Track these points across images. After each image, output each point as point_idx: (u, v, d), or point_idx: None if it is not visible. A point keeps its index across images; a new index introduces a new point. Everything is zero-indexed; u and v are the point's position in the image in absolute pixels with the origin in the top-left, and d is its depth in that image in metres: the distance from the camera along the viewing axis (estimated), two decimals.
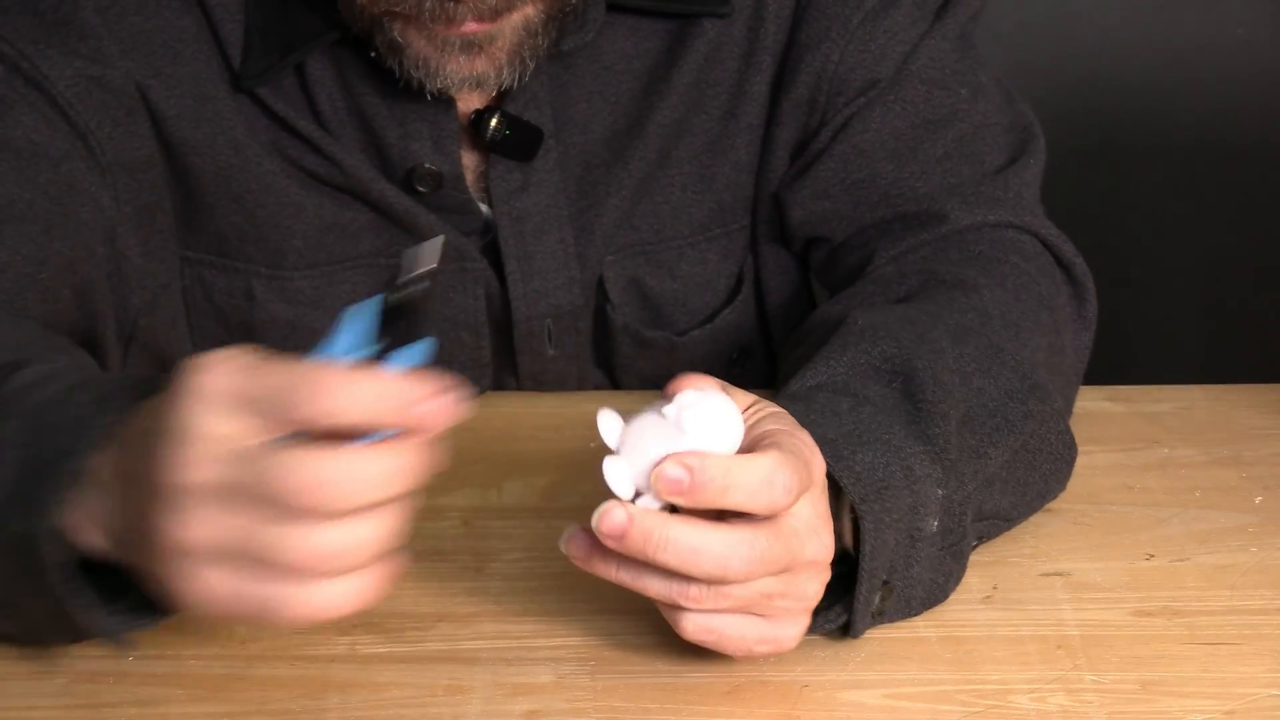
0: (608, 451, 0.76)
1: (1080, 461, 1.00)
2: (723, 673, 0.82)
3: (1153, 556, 0.93)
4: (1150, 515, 0.98)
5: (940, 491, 0.84)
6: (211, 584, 0.68)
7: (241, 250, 1.11)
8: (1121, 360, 1.90)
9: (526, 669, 0.83)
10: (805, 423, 0.80)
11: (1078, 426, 1.05)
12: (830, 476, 0.81)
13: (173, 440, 0.67)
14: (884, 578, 0.83)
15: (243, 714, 0.80)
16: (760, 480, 0.74)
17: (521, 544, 0.94)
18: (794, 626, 0.80)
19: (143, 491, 0.69)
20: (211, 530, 0.67)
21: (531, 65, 1.04)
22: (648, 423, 0.76)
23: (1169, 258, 2.01)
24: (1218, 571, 0.92)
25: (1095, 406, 1.10)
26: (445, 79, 1.02)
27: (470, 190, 1.11)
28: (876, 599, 0.83)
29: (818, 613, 0.83)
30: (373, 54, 1.06)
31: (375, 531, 0.67)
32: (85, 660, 0.84)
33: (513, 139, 1.09)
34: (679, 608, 0.77)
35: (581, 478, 1.01)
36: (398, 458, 0.67)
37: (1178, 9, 1.91)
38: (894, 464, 0.83)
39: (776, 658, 0.83)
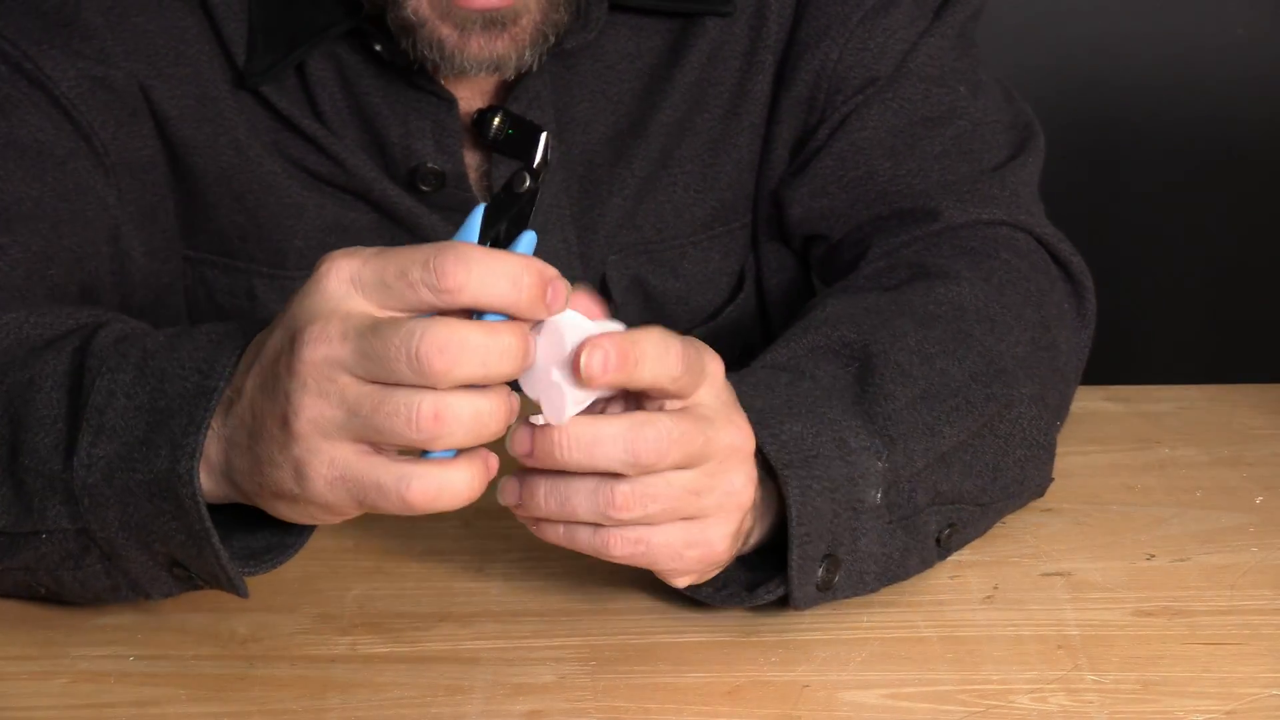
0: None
1: (1080, 461, 1.00)
2: (723, 673, 0.82)
3: (1153, 556, 0.93)
4: (1151, 515, 0.98)
5: (881, 464, 0.84)
6: (335, 461, 0.72)
7: (243, 250, 1.11)
8: (1121, 360, 1.90)
9: (527, 669, 0.83)
10: (736, 393, 0.81)
11: (1078, 426, 1.05)
12: (760, 451, 0.81)
13: (303, 324, 0.72)
14: (825, 549, 0.83)
15: (243, 714, 0.80)
16: (657, 343, 0.74)
17: (521, 544, 0.94)
18: (724, 525, 0.79)
19: (270, 394, 0.73)
20: (339, 402, 0.71)
21: (552, 43, 1.03)
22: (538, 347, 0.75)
23: (1169, 257, 2.01)
24: (1218, 571, 0.92)
25: (1095, 406, 1.10)
26: (464, 61, 1.01)
27: (473, 189, 1.11)
28: (820, 570, 0.83)
29: (758, 584, 0.84)
30: (377, 47, 1.06)
31: (493, 408, 0.71)
32: (86, 660, 0.84)
33: (516, 139, 1.09)
34: (607, 522, 0.77)
35: None
36: (515, 334, 0.71)
37: (1178, 9, 1.91)
38: (825, 434, 0.83)
39: (778, 657, 0.83)
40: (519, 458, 0.76)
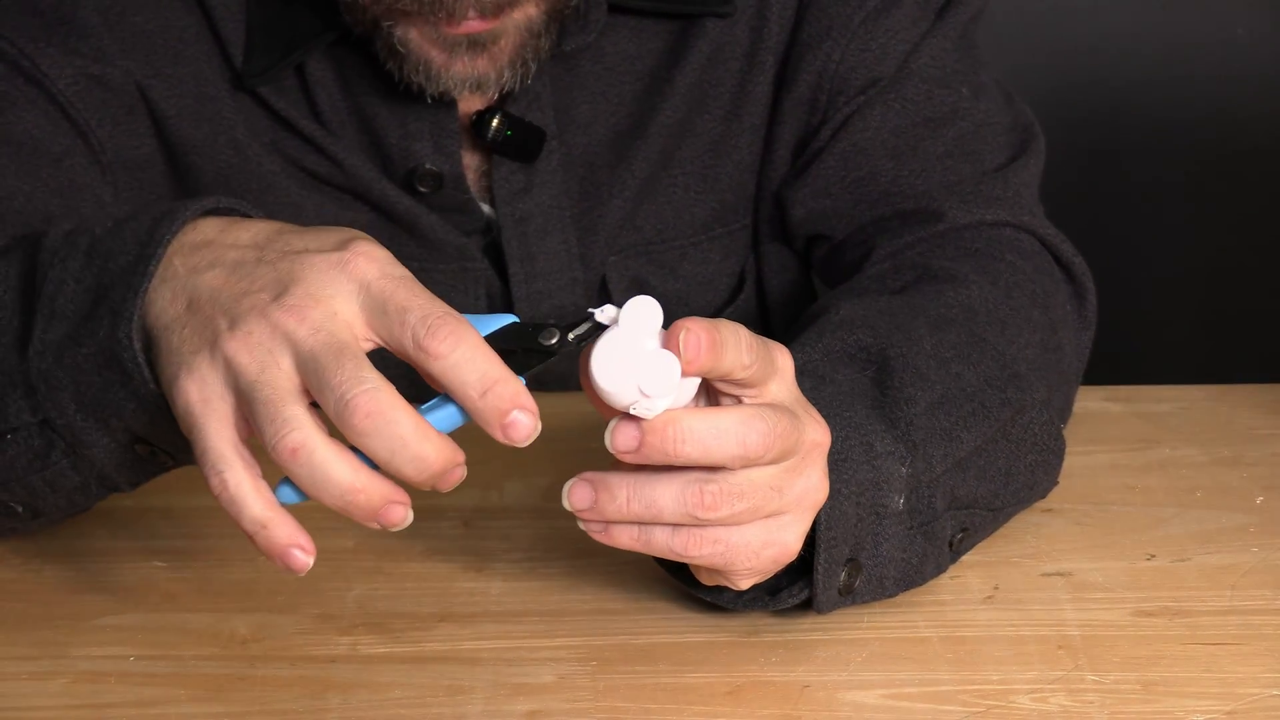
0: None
1: (1080, 461, 1.00)
2: (723, 673, 0.82)
3: (1154, 556, 0.93)
4: (1151, 515, 0.98)
5: (904, 470, 0.84)
6: (200, 396, 0.72)
7: None
8: (1121, 360, 1.90)
9: (527, 669, 0.83)
10: None
11: (1078, 426, 1.05)
12: None
13: (287, 284, 0.72)
14: (849, 554, 0.83)
15: (243, 714, 0.80)
16: (730, 330, 0.74)
17: (522, 544, 0.94)
18: (799, 524, 0.79)
19: (226, 283, 0.74)
20: (248, 356, 0.71)
21: (534, 68, 1.04)
22: (608, 341, 0.74)
23: (1169, 258, 2.01)
24: (1219, 572, 0.92)
25: (1095, 406, 1.10)
26: (448, 80, 1.02)
27: (472, 190, 1.11)
28: (842, 574, 0.83)
29: (781, 589, 0.84)
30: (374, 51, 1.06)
31: (366, 493, 0.72)
32: (86, 660, 0.84)
33: (515, 140, 1.09)
34: (693, 522, 0.76)
35: None
36: (438, 457, 0.71)
37: (1178, 9, 1.91)
38: (853, 439, 0.83)
39: (778, 657, 0.83)
40: (621, 453, 0.74)
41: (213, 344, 0.73)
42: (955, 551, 0.89)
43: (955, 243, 1.06)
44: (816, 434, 0.78)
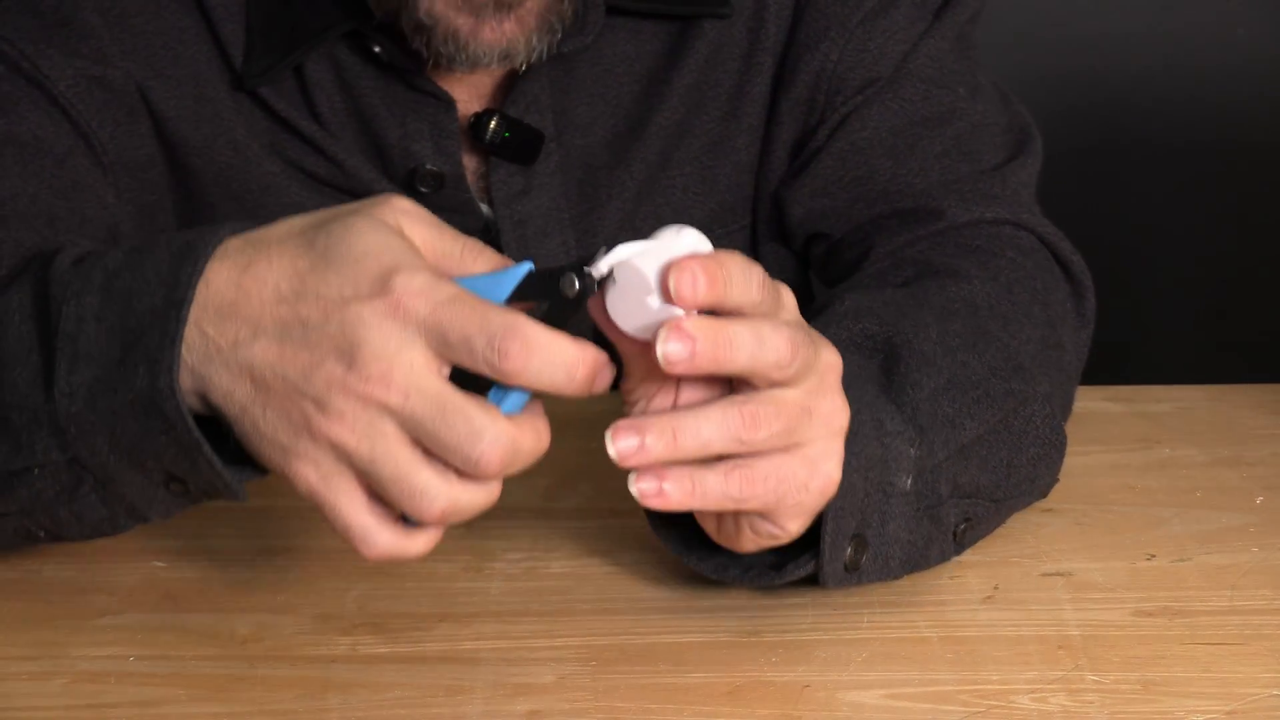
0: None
1: (1080, 461, 1.00)
2: (723, 673, 0.82)
3: (1154, 556, 0.93)
4: (1151, 515, 0.98)
5: (913, 451, 0.84)
6: (318, 477, 0.74)
7: None
8: (1121, 360, 1.90)
9: (527, 669, 0.83)
10: None
11: (1078, 426, 1.05)
12: None
13: (352, 350, 0.72)
14: (855, 528, 0.83)
15: (243, 714, 0.80)
16: (741, 265, 0.74)
17: (522, 544, 0.94)
18: (833, 451, 0.78)
19: (273, 362, 0.74)
20: (352, 438, 0.73)
21: (559, 34, 1.03)
22: (621, 288, 0.74)
23: (1169, 257, 2.01)
24: (1219, 572, 0.92)
25: (1095, 406, 1.10)
26: (477, 49, 1.01)
27: (471, 191, 1.11)
28: (848, 549, 0.83)
29: (788, 560, 0.83)
30: (376, 49, 1.06)
31: (472, 503, 0.74)
32: (86, 660, 0.84)
33: (513, 142, 1.09)
34: (741, 447, 0.75)
35: (582, 478, 1.01)
36: (540, 439, 0.74)
37: (1178, 9, 1.91)
38: (863, 413, 0.83)
39: (778, 657, 0.83)
40: (672, 363, 0.73)
41: (309, 429, 0.73)
42: (959, 543, 0.89)
43: (955, 240, 1.06)
44: (830, 355, 0.78)
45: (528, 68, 1.07)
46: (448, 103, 1.08)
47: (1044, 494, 0.96)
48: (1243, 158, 1.96)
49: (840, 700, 0.81)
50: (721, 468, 0.76)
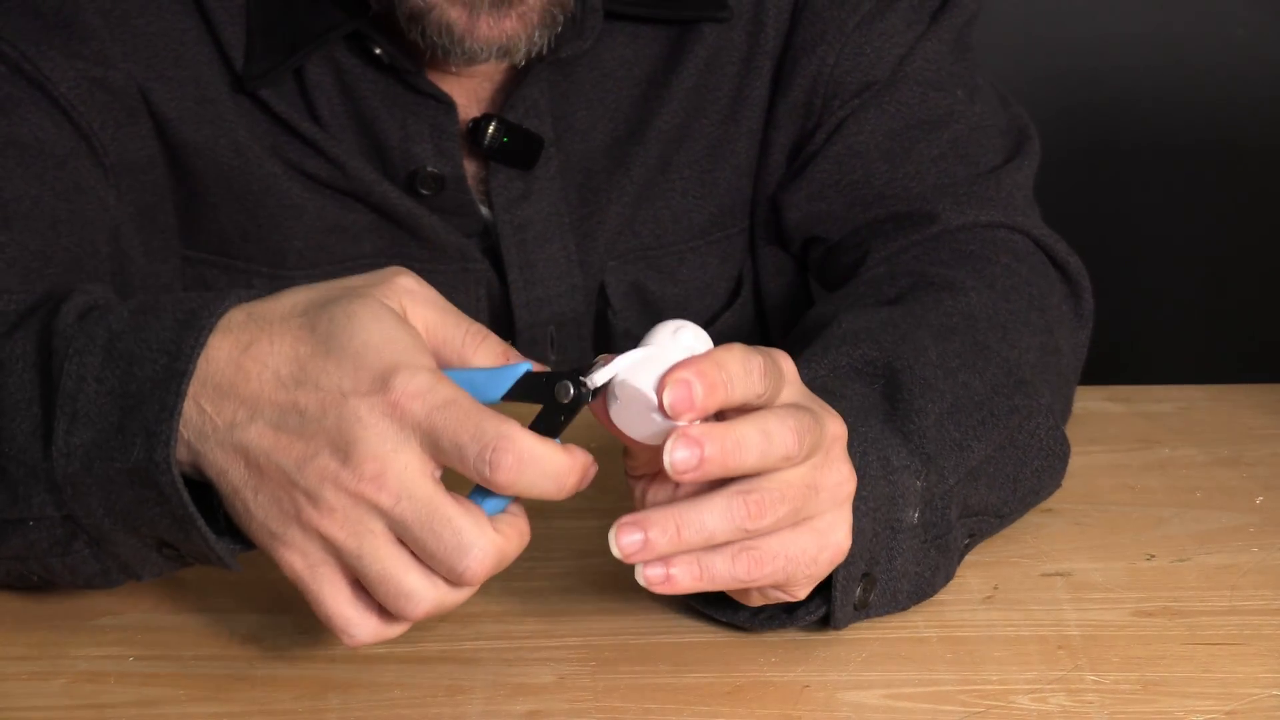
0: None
1: (1080, 461, 1.00)
2: (723, 673, 0.82)
3: (1153, 557, 0.93)
4: (1151, 515, 0.98)
5: (919, 483, 0.84)
6: (305, 565, 0.75)
7: (243, 249, 1.11)
8: (1121, 360, 1.90)
9: (527, 669, 0.83)
10: None
11: (1078, 426, 1.05)
12: None
13: (347, 446, 0.72)
14: (864, 569, 0.83)
15: (243, 714, 0.80)
16: (740, 363, 0.74)
17: None
18: (842, 521, 0.78)
19: (267, 446, 0.74)
20: (342, 533, 0.73)
21: (560, 26, 1.03)
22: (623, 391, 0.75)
23: (1169, 257, 2.01)
24: (1218, 572, 0.92)
25: (1095, 406, 1.10)
26: (472, 44, 1.01)
27: (472, 193, 1.11)
28: (857, 590, 0.83)
29: (798, 606, 0.83)
30: (376, 50, 1.06)
31: (469, 595, 0.76)
32: (86, 660, 0.84)
33: (513, 147, 1.09)
34: (744, 536, 0.75)
35: None
36: (523, 540, 0.76)
37: (1178, 9, 1.91)
38: (870, 454, 0.83)
39: (778, 657, 0.83)
40: (680, 472, 0.73)
41: (299, 519, 0.73)
42: (960, 557, 0.89)
43: (950, 246, 1.06)
44: (835, 426, 0.78)
45: (527, 73, 1.07)
46: (448, 105, 1.08)
47: (1047, 498, 0.96)
48: (1242, 158, 1.96)
49: (840, 700, 0.81)
50: (729, 550, 0.76)
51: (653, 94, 1.12)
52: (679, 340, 0.75)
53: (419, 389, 0.72)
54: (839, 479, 0.78)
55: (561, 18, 1.03)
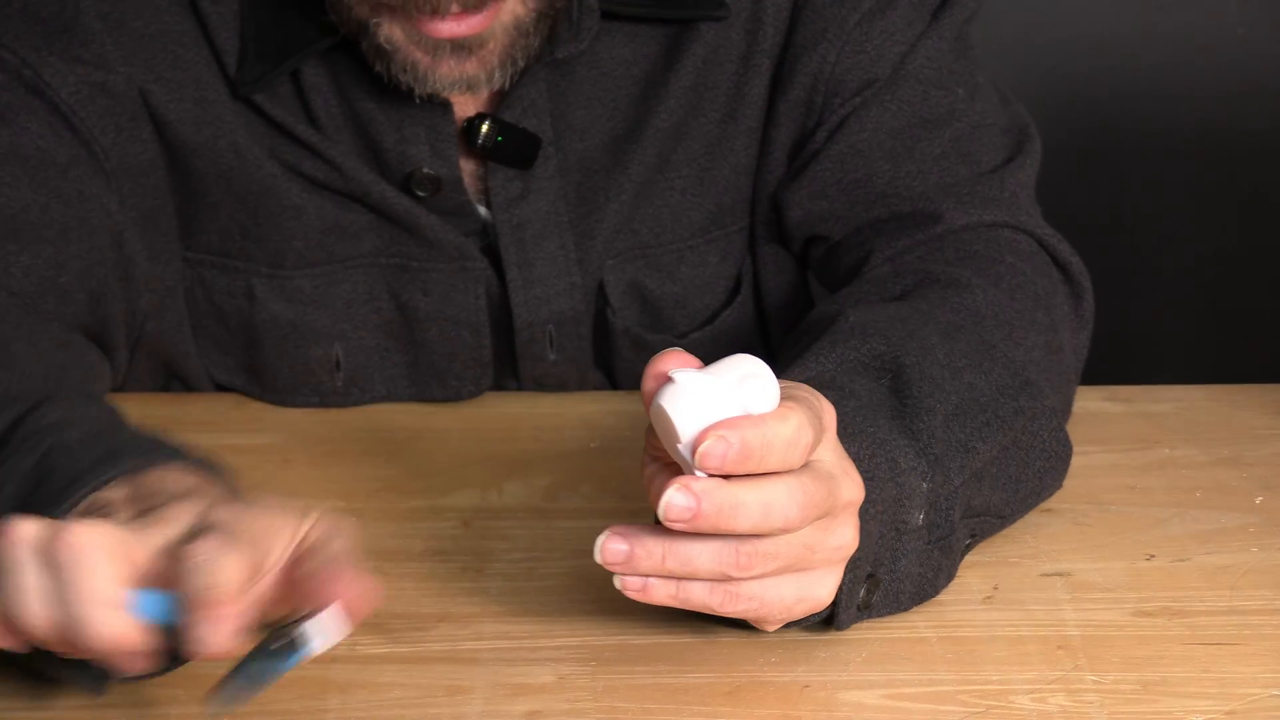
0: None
1: (1080, 461, 1.00)
2: (723, 673, 0.82)
3: (1153, 557, 0.93)
4: (1151, 515, 0.98)
5: (925, 485, 0.84)
6: None
7: (243, 250, 1.11)
8: (1121, 360, 1.90)
9: (527, 669, 0.83)
10: None
11: (1078, 426, 1.05)
12: None
13: None
14: (869, 570, 0.83)
15: (243, 714, 0.80)
16: (791, 436, 0.74)
17: (522, 544, 0.94)
18: (831, 577, 0.79)
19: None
20: None
21: (523, 65, 1.04)
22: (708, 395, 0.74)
23: (1169, 257, 2.01)
24: (1218, 572, 0.92)
25: (1095, 406, 1.10)
26: (436, 82, 1.02)
27: (469, 194, 1.11)
28: (861, 591, 0.83)
29: None
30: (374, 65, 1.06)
31: None
32: None
33: (509, 147, 1.09)
34: (725, 580, 0.77)
35: (582, 478, 1.01)
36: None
37: (1178, 9, 1.91)
38: (879, 455, 0.83)
39: (777, 657, 0.83)
40: (671, 522, 0.74)
41: None
42: (961, 557, 0.89)
43: (954, 246, 1.06)
44: (852, 493, 0.78)
45: (524, 73, 1.07)
46: (444, 105, 1.08)
47: (1048, 498, 0.96)
48: (1242, 158, 1.96)
49: (840, 700, 0.81)
50: (708, 583, 0.77)
51: (651, 93, 1.12)
52: (743, 390, 0.74)
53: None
54: (839, 543, 0.78)
55: (523, 63, 1.04)
